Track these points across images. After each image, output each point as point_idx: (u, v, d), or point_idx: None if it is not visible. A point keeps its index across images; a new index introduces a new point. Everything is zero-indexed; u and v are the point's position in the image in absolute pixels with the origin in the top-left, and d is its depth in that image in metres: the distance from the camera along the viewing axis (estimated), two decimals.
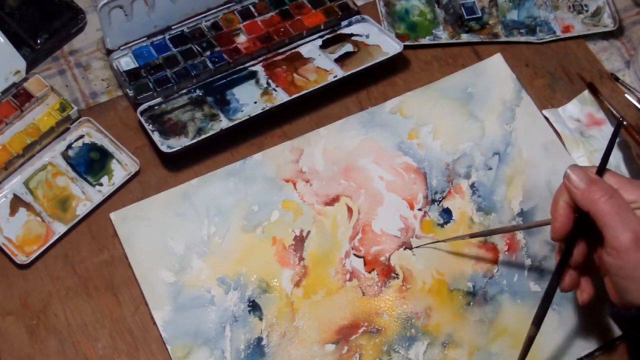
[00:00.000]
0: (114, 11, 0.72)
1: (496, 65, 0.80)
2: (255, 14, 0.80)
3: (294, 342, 0.65)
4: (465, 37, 0.82)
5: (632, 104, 0.80)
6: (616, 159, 0.76)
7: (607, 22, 0.83)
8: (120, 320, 0.65)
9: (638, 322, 0.56)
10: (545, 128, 0.77)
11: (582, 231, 0.58)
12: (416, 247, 0.69)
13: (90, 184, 0.70)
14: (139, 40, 0.76)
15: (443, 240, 0.70)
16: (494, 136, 0.76)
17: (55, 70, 0.77)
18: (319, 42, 0.79)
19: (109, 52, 0.75)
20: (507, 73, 0.79)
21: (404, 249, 0.70)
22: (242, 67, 0.76)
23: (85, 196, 0.70)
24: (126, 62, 0.75)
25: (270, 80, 0.76)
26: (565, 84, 0.80)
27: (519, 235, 0.71)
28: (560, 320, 0.67)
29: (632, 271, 0.55)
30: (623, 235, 0.54)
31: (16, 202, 0.69)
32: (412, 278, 0.68)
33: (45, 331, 0.64)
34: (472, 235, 0.69)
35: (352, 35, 0.80)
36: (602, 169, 0.59)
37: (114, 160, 0.72)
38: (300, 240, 0.69)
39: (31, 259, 0.66)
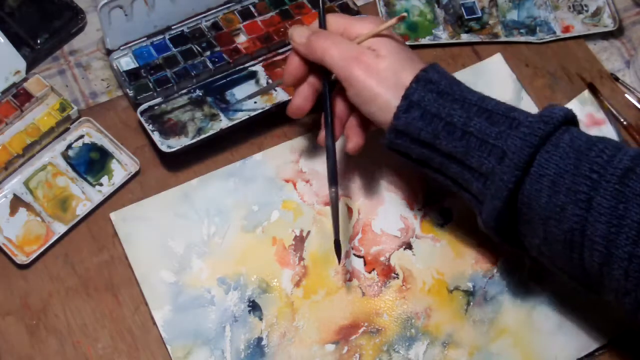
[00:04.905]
0: (114, 11, 0.71)
1: (496, 65, 0.80)
2: (255, 14, 0.80)
3: (294, 342, 0.65)
4: (465, 37, 0.82)
5: (632, 104, 0.80)
6: None
7: (607, 22, 0.83)
8: (120, 320, 0.65)
9: (393, 145, 0.60)
10: None
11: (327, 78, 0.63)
12: None
13: (90, 184, 0.70)
14: (139, 40, 0.76)
15: None
16: None
17: (55, 70, 0.77)
18: None
19: (109, 52, 0.75)
20: (507, 73, 0.79)
21: (404, 248, 0.70)
22: (242, 67, 0.76)
23: (85, 196, 0.70)
24: (126, 62, 0.75)
25: (270, 80, 0.76)
26: (565, 84, 0.80)
27: None
28: (560, 321, 0.67)
29: (364, 91, 0.58)
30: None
31: (16, 202, 0.69)
32: (412, 278, 0.68)
33: (45, 331, 0.64)
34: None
35: None
36: (322, 23, 0.63)
37: (114, 160, 0.72)
38: (300, 240, 0.69)
39: (31, 259, 0.66)
